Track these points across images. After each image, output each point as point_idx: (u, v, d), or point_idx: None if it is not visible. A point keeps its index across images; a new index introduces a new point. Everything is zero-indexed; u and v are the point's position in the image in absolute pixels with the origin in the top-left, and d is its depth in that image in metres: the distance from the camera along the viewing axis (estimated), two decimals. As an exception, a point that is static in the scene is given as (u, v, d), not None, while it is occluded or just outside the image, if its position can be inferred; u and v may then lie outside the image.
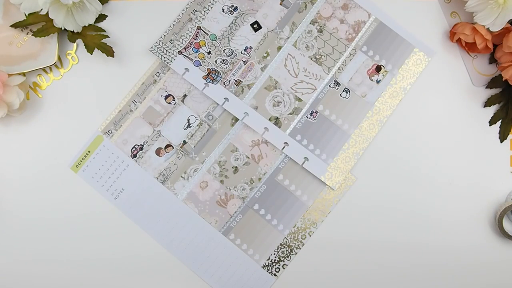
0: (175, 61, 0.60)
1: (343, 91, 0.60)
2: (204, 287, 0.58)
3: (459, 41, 0.59)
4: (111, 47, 0.58)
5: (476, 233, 0.59)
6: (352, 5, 0.61)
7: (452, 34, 0.59)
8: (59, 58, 0.60)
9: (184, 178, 0.59)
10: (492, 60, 0.60)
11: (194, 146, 0.59)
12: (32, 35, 0.58)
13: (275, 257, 0.59)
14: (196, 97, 0.60)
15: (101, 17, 0.59)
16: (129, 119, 0.60)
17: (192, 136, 0.60)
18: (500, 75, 0.57)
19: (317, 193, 0.59)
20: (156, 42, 0.60)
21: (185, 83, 0.60)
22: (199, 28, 0.60)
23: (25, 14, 0.57)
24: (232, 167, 0.59)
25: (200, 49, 0.60)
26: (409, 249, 0.59)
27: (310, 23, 0.61)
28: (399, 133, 0.60)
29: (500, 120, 0.60)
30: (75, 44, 0.60)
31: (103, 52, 0.58)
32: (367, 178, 0.59)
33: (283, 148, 0.59)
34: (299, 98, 0.60)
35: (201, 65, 0.60)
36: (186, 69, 0.60)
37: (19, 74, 0.58)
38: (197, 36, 0.60)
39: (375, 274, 0.59)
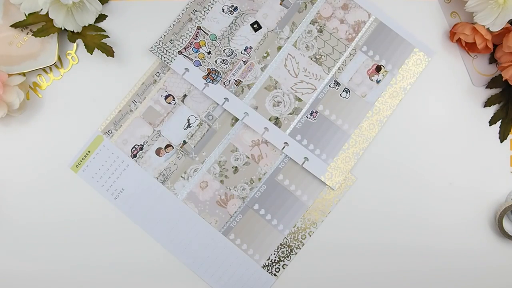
0: (175, 61, 0.60)
1: (343, 91, 0.60)
2: (204, 287, 0.58)
3: (459, 41, 0.59)
4: (111, 47, 0.58)
5: (476, 233, 0.59)
6: (352, 5, 0.61)
7: (452, 34, 0.59)
8: (59, 58, 0.60)
9: (184, 178, 0.59)
10: (492, 60, 0.60)
11: (194, 146, 0.59)
12: (32, 35, 0.58)
13: (275, 257, 0.59)
14: (196, 97, 0.60)
15: (101, 17, 0.59)
16: (129, 119, 0.60)
17: (192, 136, 0.60)
18: (500, 75, 0.57)
19: (317, 193, 0.59)
20: (156, 42, 0.60)
21: (185, 83, 0.60)
22: (199, 28, 0.60)
23: (25, 14, 0.57)
24: (232, 167, 0.59)
25: (200, 49, 0.60)
26: (409, 249, 0.59)
27: (310, 23, 0.61)
28: (399, 133, 0.60)
29: (500, 120, 0.60)
30: (75, 44, 0.60)
31: (103, 52, 0.58)
32: (367, 178, 0.59)
33: (283, 148, 0.59)
34: (299, 98, 0.60)
35: (201, 65, 0.60)
36: (186, 69, 0.60)
37: (19, 74, 0.58)
38: (197, 36, 0.60)
39: (375, 274, 0.59)
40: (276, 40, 0.60)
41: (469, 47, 0.59)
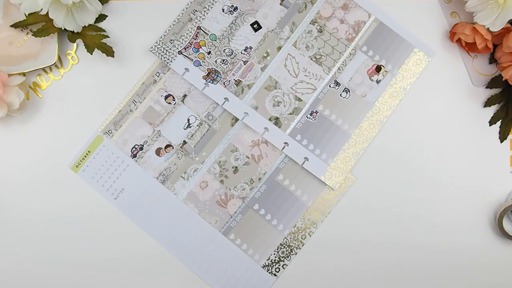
0: (175, 61, 0.60)
1: (343, 91, 0.60)
2: (204, 287, 0.58)
3: (459, 41, 0.59)
4: (111, 47, 0.58)
5: (476, 233, 0.59)
6: (352, 5, 0.61)
7: (452, 34, 0.59)
8: (59, 58, 0.60)
9: (184, 178, 0.59)
10: (492, 60, 0.60)
11: (194, 146, 0.59)
12: (32, 35, 0.58)
13: (275, 257, 0.58)
14: (196, 97, 0.60)
15: (101, 17, 0.59)
16: (129, 119, 0.60)
17: (192, 136, 0.60)
18: (500, 75, 0.57)
19: (317, 193, 0.59)
20: (156, 42, 0.60)
21: (185, 83, 0.60)
22: (199, 28, 0.60)
23: (25, 14, 0.57)
24: (232, 167, 0.59)
25: (200, 49, 0.60)
26: (409, 249, 0.59)
27: (310, 23, 0.61)
28: (399, 133, 0.60)
29: (500, 120, 0.60)
30: (75, 44, 0.60)
31: (103, 52, 0.58)
32: (367, 178, 0.59)
33: (283, 148, 0.59)
34: (299, 98, 0.60)
35: (201, 65, 0.60)
36: (186, 69, 0.60)
37: (19, 74, 0.58)
38: (197, 36, 0.60)
39: (375, 274, 0.59)
40: (276, 40, 0.60)
41: (469, 47, 0.59)
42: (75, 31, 0.58)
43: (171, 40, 0.60)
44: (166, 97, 0.60)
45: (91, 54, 0.58)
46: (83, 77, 0.60)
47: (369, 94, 0.60)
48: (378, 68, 0.60)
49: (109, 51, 0.58)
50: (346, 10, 0.61)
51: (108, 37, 0.59)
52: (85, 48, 0.58)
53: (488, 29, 0.56)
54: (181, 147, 0.59)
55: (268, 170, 0.59)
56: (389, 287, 0.59)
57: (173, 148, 0.59)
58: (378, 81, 0.60)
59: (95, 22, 0.59)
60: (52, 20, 0.56)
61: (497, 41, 0.58)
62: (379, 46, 0.60)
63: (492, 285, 0.59)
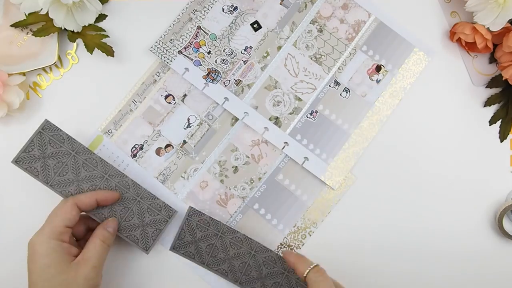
0: (175, 60, 0.60)
1: (343, 90, 0.60)
2: (204, 287, 0.58)
3: (459, 40, 0.59)
4: (111, 47, 0.58)
5: (476, 233, 0.59)
6: (352, 4, 0.61)
7: (452, 34, 0.59)
8: (59, 58, 0.60)
9: (184, 177, 0.59)
10: (492, 59, 0.60)
11: (194, 146, 0.59)
12: (32, 34, 0.58)
13: (275, 256, 0.58)
14: (196, 97, 0.60)
15: (101, 17, 0.59)
16: (129, 118, 0.60)
17: (192, 135, 0.60)
18: (500, 74, 0.57)
19: (317, 192, 0.59)
20: (156, 42, 0.60)
21: (185, 83, 0.60)
22: (199, 27, 0.60)
23: (25, 14, 0.57)
24: (232, 167, 0.59)
25: (200, 48, 0.60)
26: (409, 248, 0.59)
27: (310, 23, 0.61)
28: (399, 132, 0.60)
29: (500, 120, 0.60)
30: (75, 43, 0.60)
31: (103, 52, 0.58)
32: (367, 178, 0.59)
33: (283, 148, 0.59)
34: (299, 98, 0.60)
35: (201, 65, 0.60)
36: (186, 69, 0.60)
37: (19, 73, 0.58)
38: (197, 36, 0.60)
39: (375, 274, 0.59)
40: (276, 39, 0.60)
41: (469, 47, 0.59)
42: (75, 31, 0.58)
43: (171, 39, 0.60)
44: (166, 97, 0.60)
45: (91, 54, 0.58)
46: (83, 77, 0.60)
47: (369, 93, 0.60)
48: (378, 68, 0.60)
49: (109, 51, 0.58)
50: (346, 9, 0.61)
51: (108, 36, 0.59)
52: (85, 47, 0.58)
53: (488, 28, 0.56)
54: (181, 147, 0.59)
55: (268, 169, 0.59)
56: (389, 287, 0.59)
57: (173, 147, 0.59)
58: (378, 81, 0.60)
59: (95, 22, 0.59)
60: (52, 19, 0.56)
61: (497, 40, 0.58)
62: (379, 46, 0.60)
63: (492, 285, 0.59)
